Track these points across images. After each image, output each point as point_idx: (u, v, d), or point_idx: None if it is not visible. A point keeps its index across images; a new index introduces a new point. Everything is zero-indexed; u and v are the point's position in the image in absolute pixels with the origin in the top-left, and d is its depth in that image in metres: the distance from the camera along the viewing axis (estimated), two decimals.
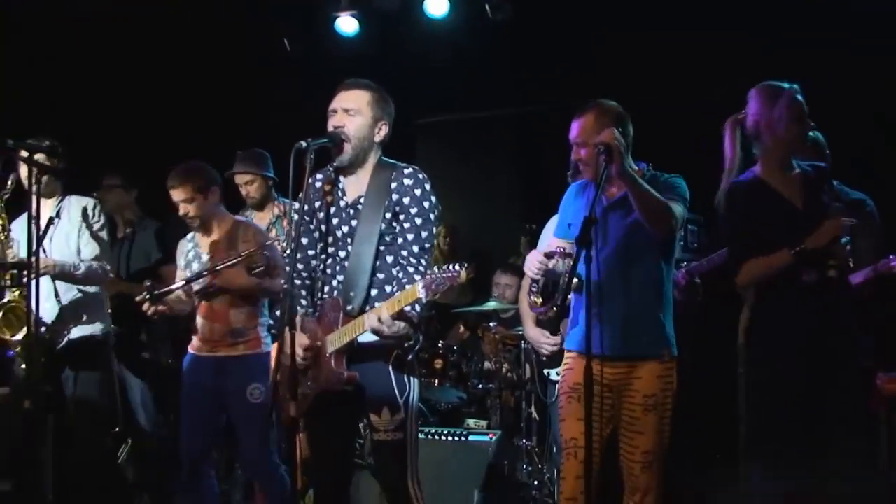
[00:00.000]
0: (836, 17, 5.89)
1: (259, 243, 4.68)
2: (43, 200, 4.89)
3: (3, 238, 4.77)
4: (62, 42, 6.64)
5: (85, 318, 5.00)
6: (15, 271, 4.66)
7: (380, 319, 3.38)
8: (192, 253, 4.85)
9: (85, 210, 5.03)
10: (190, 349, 4.84)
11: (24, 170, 4.74)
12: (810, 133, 4.41)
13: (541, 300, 3.99)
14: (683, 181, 3.90)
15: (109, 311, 5.26)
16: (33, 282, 4.22)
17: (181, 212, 4.70)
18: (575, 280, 3.68)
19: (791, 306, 3.78)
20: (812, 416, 3.72)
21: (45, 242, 4.89)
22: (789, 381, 3.75)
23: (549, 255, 3.93)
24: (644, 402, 3.80)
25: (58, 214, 4.98)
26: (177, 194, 4.68)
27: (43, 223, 4.86)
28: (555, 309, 3.88)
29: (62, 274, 4.81)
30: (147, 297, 4.57)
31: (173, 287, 4.70)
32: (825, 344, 3.71)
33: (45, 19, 6.52)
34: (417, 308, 3.47)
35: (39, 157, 4.67)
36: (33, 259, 4.26)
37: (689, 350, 4.09)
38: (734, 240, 3.93)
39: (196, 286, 4.73)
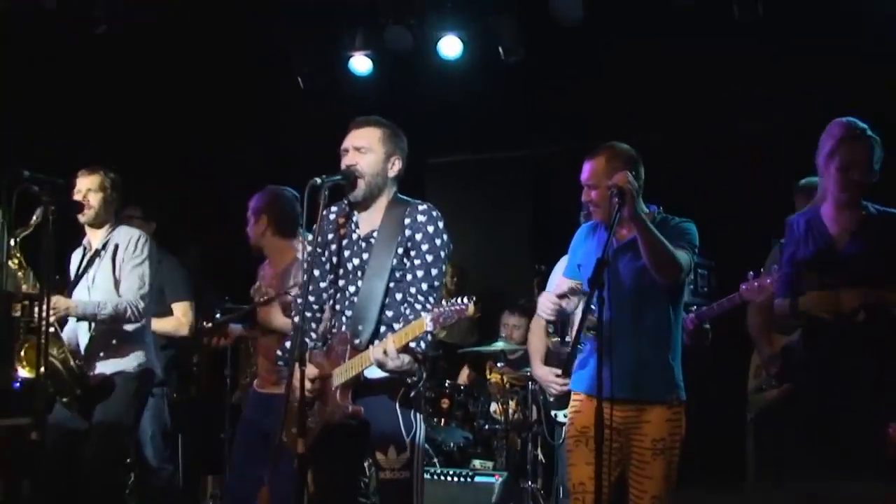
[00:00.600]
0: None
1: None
2: (93, 231, 4.92)
3: (20, 275, 4.63)
4: (81, 76, 6.71)
5: (116, 353, 4.81)
6: (27, 302, 4.59)
7: (385, 352, 3.37)
8: (259, 283, 4.92)
9: (129, 243, 4.86)
10: (254, 383, 4.91)
11: (78, 195, 4.77)
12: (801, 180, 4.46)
13: (559, 339, 4.01)
14: (694, 227, 3.88)
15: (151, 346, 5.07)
16: (44, 317, 4.11)
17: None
18: (589, 317, 3.68)
19: (809, 347, 3.79)
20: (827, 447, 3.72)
21: (89, 275, 4.85)
22: (806, 405, 3.76)
23: (560, 296, 3.94)
24: (653, 447, 3.77)
25: (104, 247, 4.86)
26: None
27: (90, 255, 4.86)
28: (578, 346, 3.88)
29: (84, 315, 4.68)
30: (206, 329, 4.80)
31: (226, 319, 4.83)
32: (846, 374, 3.71)
33: (65, 50, 6.59)
34: (423, 344, 3.47)
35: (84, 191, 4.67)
36: (50, 293, 4.15)
37: (697, 394, 4.09)
38: (780, 272, 4.00)
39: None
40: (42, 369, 3.90)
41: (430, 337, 3.44)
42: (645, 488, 3.77)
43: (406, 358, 3.42)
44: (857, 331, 3.77)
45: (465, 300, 3.25)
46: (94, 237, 4.92)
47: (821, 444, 3.81)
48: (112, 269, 4.82)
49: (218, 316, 4.93)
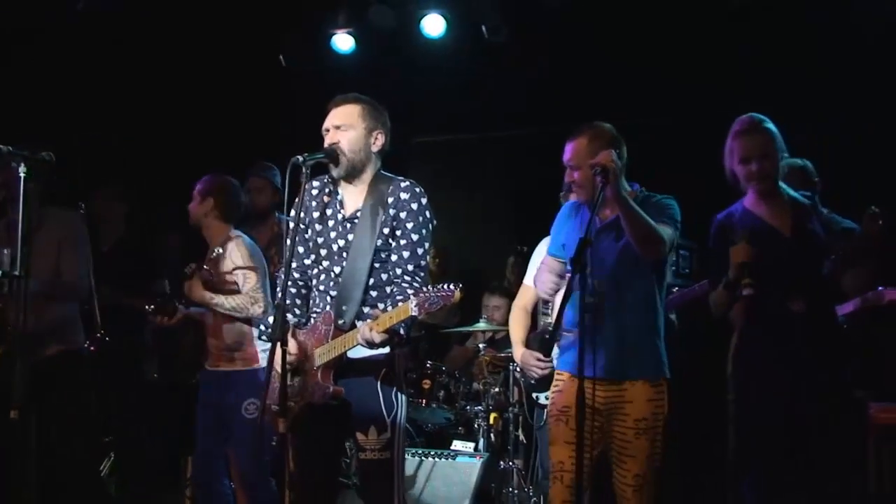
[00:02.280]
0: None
1: (233, 262, 4.83)
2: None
3: None
4: (70, 54, 6.63)
5: (60, 333, 4.80)
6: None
7: (371, 332, 3.37)
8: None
9: (68, 222, 4.88)
10: (205, 364, 4.98)
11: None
12: (798, 161, 4.46)
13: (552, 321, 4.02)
14: (676, 203, 3.90)
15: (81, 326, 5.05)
16: (18, 292, 4.07)
17: None
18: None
19: (773, 336, 3.82)
20: (796, 446, 3.75)
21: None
22: (771, 412, 3.78)
23: (561, 276, 3.94)
24: (636, 426, 3.78)
25: (38, 225, 4.68)
26: None
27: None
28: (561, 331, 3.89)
29: (35, 294, 4.49)
30: (151, 309, 4.87)
31: (170, 299, 4.94)
32: (808, 375, 3.75)
33: (53, 31, 6.51)
34: (402, 329, 3.47)
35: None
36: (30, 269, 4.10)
37: (682, 374, 4.09)
38: (712, 272, 4.01)
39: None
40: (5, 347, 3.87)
41: (416, 318, 3.42)
42: (628, 467, 3.79)
43: (386, 342, 3.43)
44: (825, 320, 3.84)
45: (451, 286, 3.24)
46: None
47: (793, 427, 3.83)
48: (55, 248, 4.76)
49: (162, 297, 4.99)
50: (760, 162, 3.87)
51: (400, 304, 3.34)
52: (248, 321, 4.81)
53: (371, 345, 3.41)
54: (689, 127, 6.47)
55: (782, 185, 3.98)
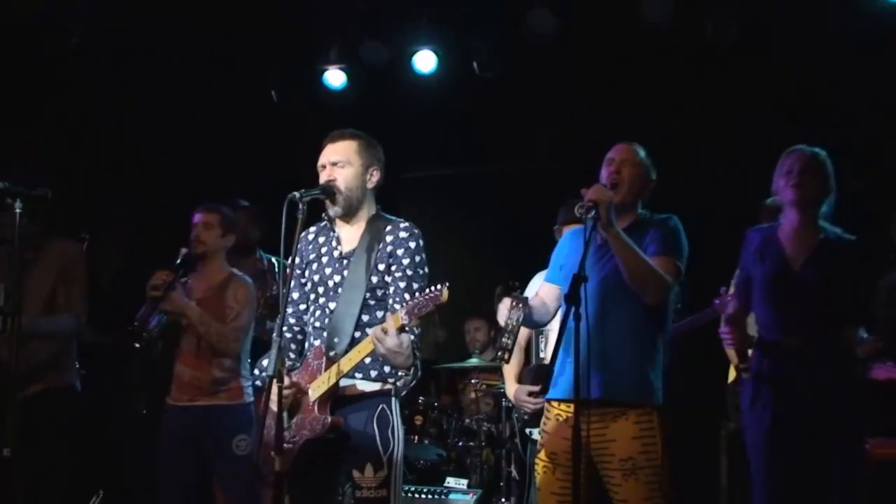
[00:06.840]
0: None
1: (236, 300, 4.74)
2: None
3: None
4: (50, 87, 6.63)
5: (47, 371, 4.62)
6: None
7: (384, 330, 3.30)
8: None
9: (67, 256, 4.71)
10: (168, 400, 4.76)
11: None
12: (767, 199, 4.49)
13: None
14: (679, 223, 3.76)
15: (77, 363, 4.88)
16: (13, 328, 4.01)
17: (193, 234, 4.75)
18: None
19: (781, 369, 3.81)
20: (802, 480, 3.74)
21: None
22: (780, 444, 3.78)
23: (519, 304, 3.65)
24: (621, 467, 3.55)
25: (35, 258, 4.62)
26: (202, 217, 4.77)
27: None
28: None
29: (24, 330, 4.34)
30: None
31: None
32: (817, 410, 3.73)
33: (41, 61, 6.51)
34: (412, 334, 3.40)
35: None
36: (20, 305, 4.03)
37: (677, 407, 4.06)
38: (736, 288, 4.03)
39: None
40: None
41: (407, 326, 3.34)
42: None
43: (405, 339, 3.34)
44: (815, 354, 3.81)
45: (438, 286, 3.22)
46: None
47: (795, 465, 3.81)
48: (51, 282, 4.63)
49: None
50: (802, 175, 3.83)
51: (389, 314, 3.32)
52: (227, 355, 4.66)
53: (382, 344, 3.30)
54: (682, 160, 6.50)
55: (825, 224, 3.90)
